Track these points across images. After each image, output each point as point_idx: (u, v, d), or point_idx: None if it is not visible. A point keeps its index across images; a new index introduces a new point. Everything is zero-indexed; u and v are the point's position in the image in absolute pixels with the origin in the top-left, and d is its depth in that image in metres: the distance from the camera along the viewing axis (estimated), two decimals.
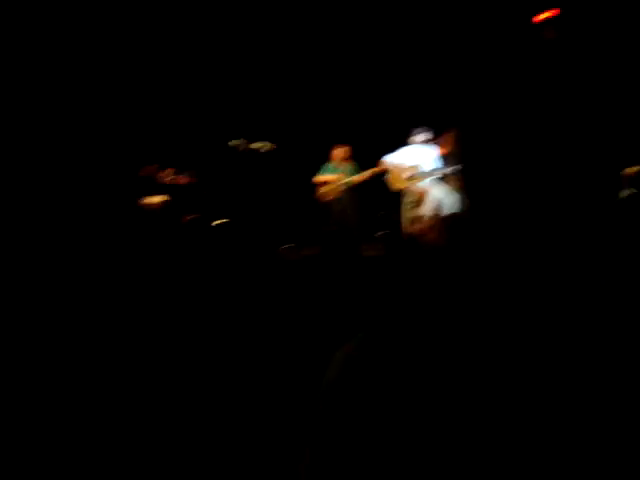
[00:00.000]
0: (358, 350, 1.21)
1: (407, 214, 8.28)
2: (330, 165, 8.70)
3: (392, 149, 8.33)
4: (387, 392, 1.11)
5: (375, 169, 8.45)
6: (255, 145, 8.06)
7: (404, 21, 9.07)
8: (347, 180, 8.61)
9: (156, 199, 7.55)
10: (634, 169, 6.64)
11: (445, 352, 1.17)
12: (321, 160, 8.74)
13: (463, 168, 8.06)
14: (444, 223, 6.88)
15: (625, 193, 6.41)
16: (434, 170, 8.17)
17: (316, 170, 8.71)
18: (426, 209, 7.88)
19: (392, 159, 8.24)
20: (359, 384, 1.14)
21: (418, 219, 7.94)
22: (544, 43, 8.52)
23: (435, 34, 9.10)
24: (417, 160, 8.19)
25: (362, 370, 1.15)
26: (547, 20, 8.52)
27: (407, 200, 8.30)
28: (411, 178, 8.12)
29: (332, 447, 1.14)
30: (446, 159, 8.34)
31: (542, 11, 8.56)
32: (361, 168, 8.65)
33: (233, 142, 8.05)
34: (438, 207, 7.95)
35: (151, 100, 8.49)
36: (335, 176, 8.61)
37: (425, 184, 8.10)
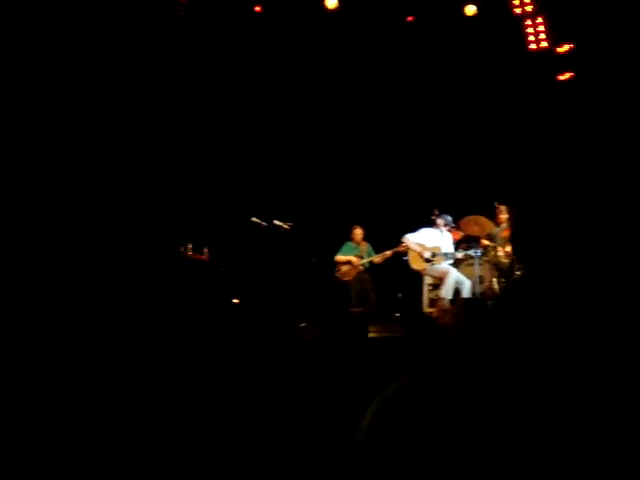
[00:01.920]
0: (399, 394, 1.41)
1: (426, 295, 8.23)
2: (350, 244, 8.73)
3: (411, 229, 8.35)
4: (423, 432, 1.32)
5: (396, 249, 8.46)
6: (276, 223, 8.15)
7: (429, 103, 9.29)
8: (367, 259, 8.61)
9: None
10: None
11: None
12: (341, 239, 8.78)
13: (485, 252, 8.02)
14: (462, 307, 6.80)
15: None
16: (454, 253, 8.15)
17: (336, 249, 8.73)
18: (445, 292, 7.82)
19: (413, 238, 8.25)
20: (399, 423, 1.34)
21: (437, 301, 7.87)
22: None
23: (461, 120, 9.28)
24: (437, 242, 8.20)
25: (402, 411, 1.36)
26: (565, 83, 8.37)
27: (427, 282, 8.26)
28: (431, 259, 8.11)
29: None
30: (463, 244, 8.34)
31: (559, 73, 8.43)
32: (379, 248, 8.66)
33: (254, 219, 8.15)
34: (457, 290, 7.90)
35: (178, 175, 8.68)
36: (355, 256, 8.63)
37: (445, 266, 8.07)
